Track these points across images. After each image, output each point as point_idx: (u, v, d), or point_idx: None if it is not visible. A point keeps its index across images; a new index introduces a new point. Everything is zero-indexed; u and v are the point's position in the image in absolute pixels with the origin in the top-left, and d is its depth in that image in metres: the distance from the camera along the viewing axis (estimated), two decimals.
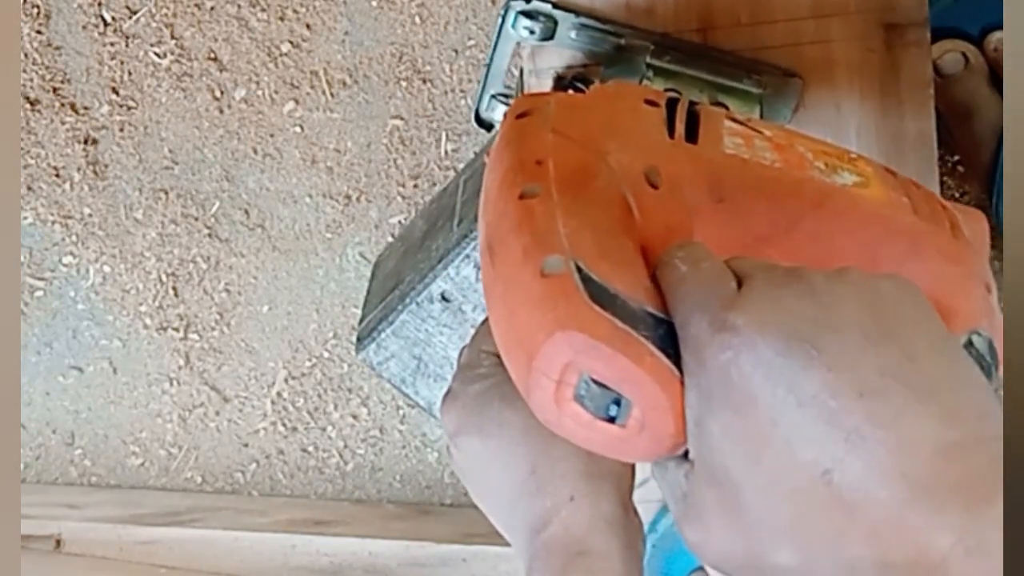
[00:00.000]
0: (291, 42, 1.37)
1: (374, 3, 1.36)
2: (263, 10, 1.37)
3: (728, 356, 0.34)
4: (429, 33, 1.35)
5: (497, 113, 0.80)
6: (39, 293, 1.44)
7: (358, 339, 1.13)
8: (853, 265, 0.37)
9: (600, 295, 0.37)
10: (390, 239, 1.37)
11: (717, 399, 0.34)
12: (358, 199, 1.38)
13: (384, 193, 1.38)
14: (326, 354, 1.41)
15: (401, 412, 1.41)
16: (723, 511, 0.34)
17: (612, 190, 0.43)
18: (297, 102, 1.38)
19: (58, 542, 1.36)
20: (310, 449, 1.43)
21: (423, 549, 1.32)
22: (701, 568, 1.15)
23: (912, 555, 0.30)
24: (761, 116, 0.73)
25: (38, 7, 1.39)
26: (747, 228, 0.44)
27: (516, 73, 0.93)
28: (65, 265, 1.43)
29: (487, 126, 0.80)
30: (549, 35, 0.76)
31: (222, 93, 1.39)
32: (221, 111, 1.39)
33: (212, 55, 1.38)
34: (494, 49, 0.76)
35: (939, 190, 0.74)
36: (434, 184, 1.37)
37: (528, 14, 0.75)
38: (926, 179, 0.73)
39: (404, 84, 1.36)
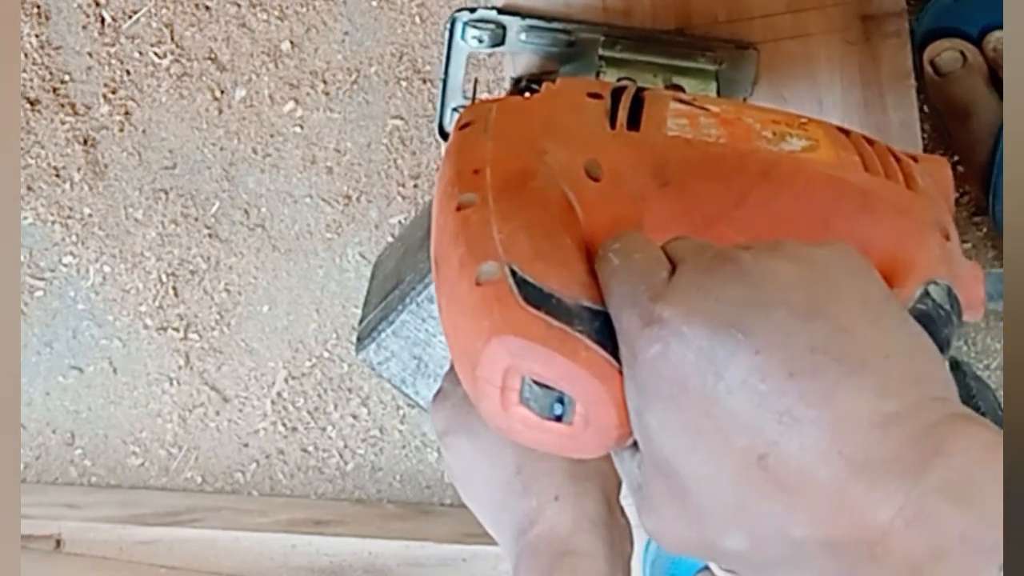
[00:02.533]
0: (291, 42, 1.37)
1: (374, 3, 1.36)
2: (263, 10, 1.37)
3: (657, 349, 0.33)
4: (429, 33, 1.35)
5: None
6: (39, 293, 1.44)
7: (358, 339, 1.12)
8: (792, 234, 0.37)
9: (535, 296, 0.38)
10: (390, 239, 1.37)
11: (651, 391, 0.34)
12: (358, 199, 1.38)
13: (384, 193, 1.38)
14: (326, 354, 1.41)
15: (401, 412, 1.41)
16: (673, 500, 0.34)
17: (550, 189, 0.42)
18: (297, 102, 1.38)
19: (58, 542, 1.36)
20: (310, 449, 1.43)
21: (423, 549, 1.31)
22: (707, 568, 1.15)
23: (855, 532, 0.30)
24: (719, 92, 0.73)
25: (38, 7, 1.39)
26: (695, 208, 0.44)
27: (472, 84, 0.93)
28: (65, 265, 1.43)
29: None
30: (499, 41, 0.76)
31: (222, 93, 1.39)
32: (221, 111, 1.39)
33: (212, 55, 1.38)
34: (447, 63, 0.76)
35: None
36: (434, 184, 1.37)
37: (475, 23, 0.75)
38: None
39: (404, 84, 1.36)
